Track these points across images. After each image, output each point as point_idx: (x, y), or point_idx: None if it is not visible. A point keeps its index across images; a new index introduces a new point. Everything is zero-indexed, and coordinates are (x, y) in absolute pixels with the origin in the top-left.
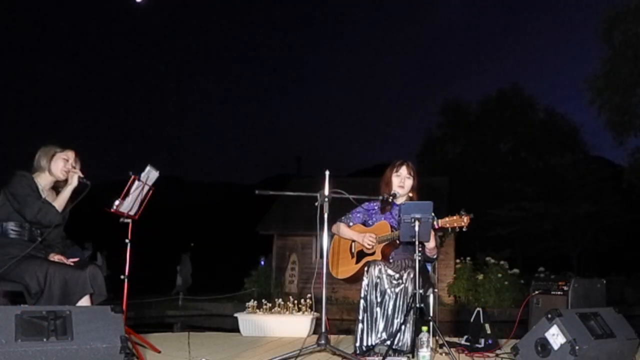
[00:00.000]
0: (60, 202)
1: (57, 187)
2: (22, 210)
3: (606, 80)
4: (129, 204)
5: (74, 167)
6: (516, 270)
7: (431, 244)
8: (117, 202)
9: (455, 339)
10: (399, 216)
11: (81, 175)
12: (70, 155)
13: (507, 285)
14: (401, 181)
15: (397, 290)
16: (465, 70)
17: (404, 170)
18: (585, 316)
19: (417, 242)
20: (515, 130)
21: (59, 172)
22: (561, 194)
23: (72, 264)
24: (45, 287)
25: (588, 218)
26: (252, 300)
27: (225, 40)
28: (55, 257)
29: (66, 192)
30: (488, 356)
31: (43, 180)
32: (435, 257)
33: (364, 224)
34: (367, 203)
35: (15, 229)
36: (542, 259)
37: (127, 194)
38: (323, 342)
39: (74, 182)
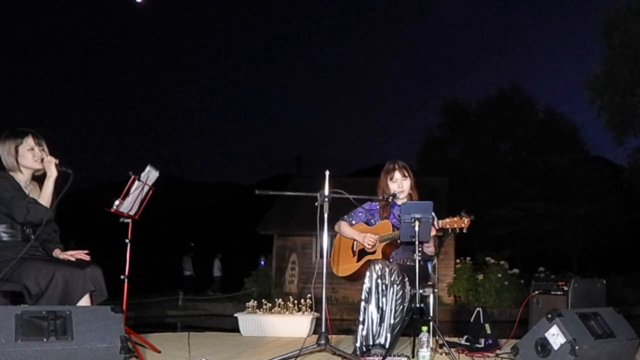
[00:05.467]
0: (45, 197)
1: (37, 177)
2: (12, 214)
3: (606, 80)
4: (129, 204)
5: (43, 151)
6: (516, 270)
7: (429, 242)
8: (117, 202)
9: (455, 339)
10: (400, 216)
11: (57, 162)
12: (30, 142)
13: (507, 285)
14: (399, 185)
15: (397, 290)
16: (465, 70)
17: (397, 174)
18: (585, 316)
19: (417, 242)
20: (515, 130)
21: (31, 165)
22: (561, 194)
23: (74, 258)
24: (45, 287)
25: (588, 218)
26: (252, 300)
27: (225, 40)
28: (61, 255)
29: (49, 186)
30: (488, 356)
31: (22, 177)
32: (433, 254)
33: (367, 223)
34: (368, 203)
35: (7, 231)
36: (542, 259)
37: (127, 194)
38: (323, 342)
39: (53, 173)
